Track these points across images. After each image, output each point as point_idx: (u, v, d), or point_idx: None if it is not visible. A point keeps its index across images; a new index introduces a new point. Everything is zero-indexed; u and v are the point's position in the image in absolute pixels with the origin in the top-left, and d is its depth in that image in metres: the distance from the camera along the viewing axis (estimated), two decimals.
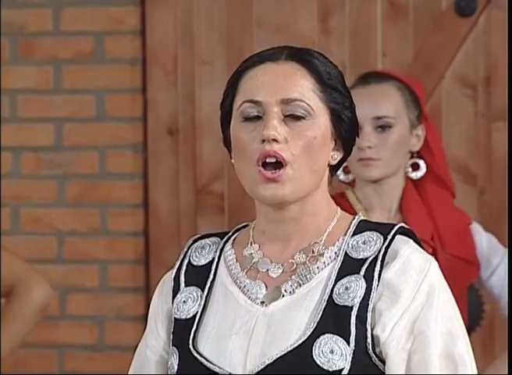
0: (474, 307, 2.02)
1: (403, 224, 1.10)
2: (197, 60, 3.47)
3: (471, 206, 2.81)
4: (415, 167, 2.00)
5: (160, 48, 3.61)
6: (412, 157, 2.01)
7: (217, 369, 1.05)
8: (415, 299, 1.04)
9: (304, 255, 1.10)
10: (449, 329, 1.04)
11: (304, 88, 1.08)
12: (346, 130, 1.12)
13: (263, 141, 1.05)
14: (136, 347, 1.17)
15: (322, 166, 1.10)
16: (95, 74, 3.14)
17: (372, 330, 1.04)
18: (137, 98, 3.34)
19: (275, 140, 1.05)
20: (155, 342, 1.15)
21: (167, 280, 1.17)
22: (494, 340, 2.59)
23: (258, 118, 1.07)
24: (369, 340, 1.04)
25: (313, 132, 1.08)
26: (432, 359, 1.02)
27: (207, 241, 1.17)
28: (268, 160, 1.05)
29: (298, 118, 1.08)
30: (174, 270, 1.16)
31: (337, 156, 1.13)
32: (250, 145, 1.07)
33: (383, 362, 1.04)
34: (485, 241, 2.02)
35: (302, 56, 1.10)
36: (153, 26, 3.63)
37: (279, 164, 1.05)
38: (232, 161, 1.12)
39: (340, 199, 2.00)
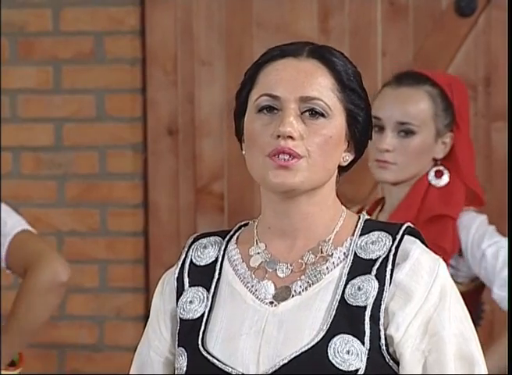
0: (473, 307, 2.02)
1: (409, 224, 1.10)
2: (197, 60, 3.48)
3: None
4: (439, 175, 1.96)
5: (160, 48, 3.61)
6: (436, 164, 1.97)
7: (229, 370, 1.04)
8: (427, 300, 1.04)
9: (312, 255, 1.09)
10: (461, 330, 1.05)
11: (323, 87, 1.07)
12: (360, 132, 1.11)
13: (278, 136, 1.05)
14: (137, 347, 1.17)
15: (334, 165, 1.10)
16: (95, 74, 3.14)
17: (385, 330, 1.04)
18: (137, 98, 3.34)
19: (290, 137, 1.05)
20: (159, 343, 1.14)
21: (168, 280, 1.16)
22: (494, 340, 2.59)
23: (274, 112, 1.07)
24: (383, 340, 1.04)
25: (329, 131, 1.07)
26: (447, 360, 1.02)
27: (208, 240, 1.16)
28: (281, 156, 1.05)
29: (315, 116, 1.07)
30: (176, 270, 1.15)
31: (348, 158, 1.12)
32: (264, 138, 1.06)
33: (396, 362, 1.04)
34: (471, 237, 1.97)
35: (323, 54, 1.10)
36: (153, 27, 3.63)
37: (293, 157, 1.05)
38: (243, 152, 1.11)
39: (378, 200, 2.04)
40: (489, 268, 1.90)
